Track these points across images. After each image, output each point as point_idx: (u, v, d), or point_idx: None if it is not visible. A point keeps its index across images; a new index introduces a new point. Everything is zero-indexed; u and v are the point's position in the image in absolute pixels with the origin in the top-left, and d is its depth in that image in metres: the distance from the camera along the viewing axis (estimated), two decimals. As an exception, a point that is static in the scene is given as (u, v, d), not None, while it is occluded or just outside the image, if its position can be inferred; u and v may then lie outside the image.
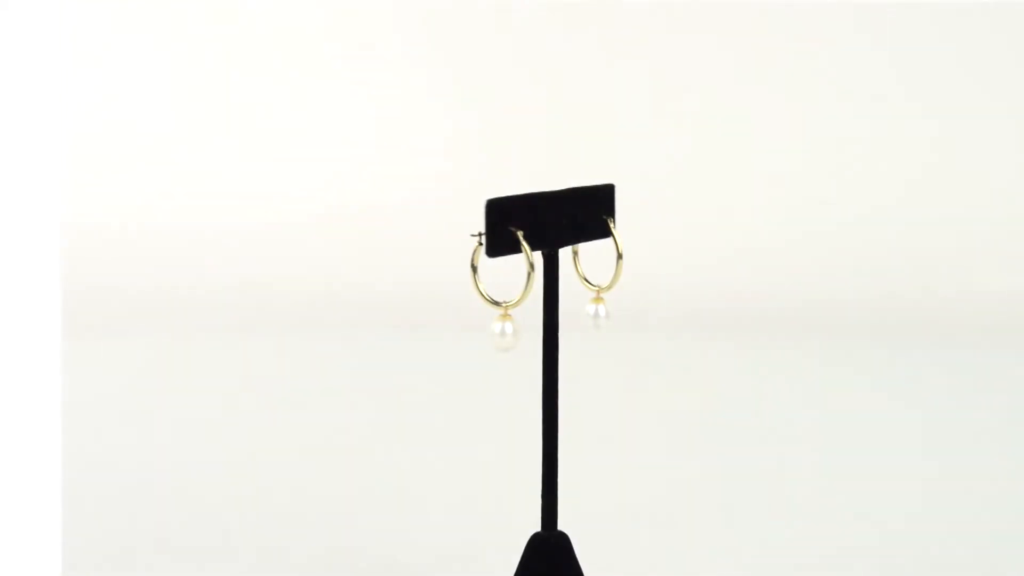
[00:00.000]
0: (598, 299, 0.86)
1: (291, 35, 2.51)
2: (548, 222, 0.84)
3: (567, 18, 2.51)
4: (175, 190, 2.38)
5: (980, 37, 2.55)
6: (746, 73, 2.55)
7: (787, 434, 1.61)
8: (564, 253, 0.87)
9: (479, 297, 0.80)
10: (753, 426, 1.63)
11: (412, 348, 1.91)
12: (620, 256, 0.85)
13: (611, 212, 0.87)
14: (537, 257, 0.82)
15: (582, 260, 0.87)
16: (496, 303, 0.80)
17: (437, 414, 1.62)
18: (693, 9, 2.53)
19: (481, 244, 0.81)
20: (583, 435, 1.49)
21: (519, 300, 0.80)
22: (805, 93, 2.55)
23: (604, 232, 0.86)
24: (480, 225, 0.81)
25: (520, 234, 0.81)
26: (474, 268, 0.80)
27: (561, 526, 0.85)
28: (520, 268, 0.83)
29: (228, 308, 2.12)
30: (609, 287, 0.86)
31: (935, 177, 2.50)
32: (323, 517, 1.23)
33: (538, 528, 0.85)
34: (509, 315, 0.81)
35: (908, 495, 1.40)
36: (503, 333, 0.81)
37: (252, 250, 2.28)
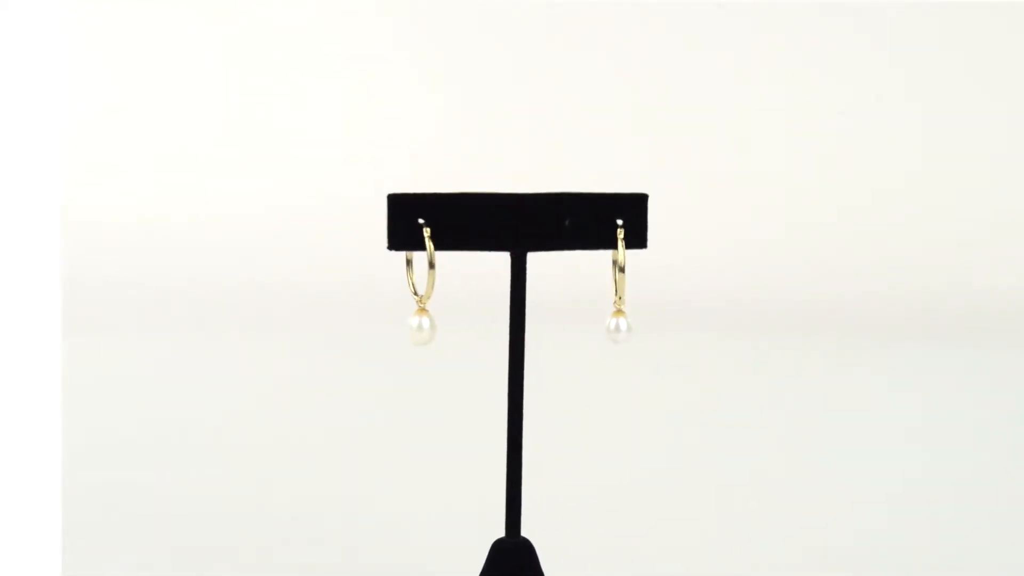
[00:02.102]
0: (619, 312, 0.82)
1: (290, 36, 2.52)
2: (505, 224, 0.81)
3: (566, 18, 2.49)
4: (175, 188, 2.39)
5: (983, 35, 2.52)
6: (745, 73, 2.52)
7: (763, 434, 1.56)
8: (593, 259, 0.85)
9: (409, 289, 0.80)
10: (730, 428, 1.58)
11: (402, 347, 1.90)
12: (621, 269, 0.81)
13: (636, 221, 0.81)
14: (441, 255, 0.80)
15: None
16: (416, 297, 0.80)
17: (413, 415, 1.62)
18: (693, 9, 2.51)
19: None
20: (559, 438, 1.47)
21: (425, 296, 0.80)
22: (804, 93, 2.51)
23: (606, 242, 0.81)
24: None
25: (427, 231, 0.80)
26: (408, 262, 0.80)
27: (527, 532, 0.85)
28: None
29: (228, 305, 2.12)
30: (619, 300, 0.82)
31: (936, 177, 2.46)
32: (298, 518, 1.23)
33: (502, 534, 0.85)
34: (426, 310, 0.80)
35: (904, 494, 1.35)
36: (420, 327, 0.80)
37: (252, 247, 2.29)
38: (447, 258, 0.87)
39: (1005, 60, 2.49)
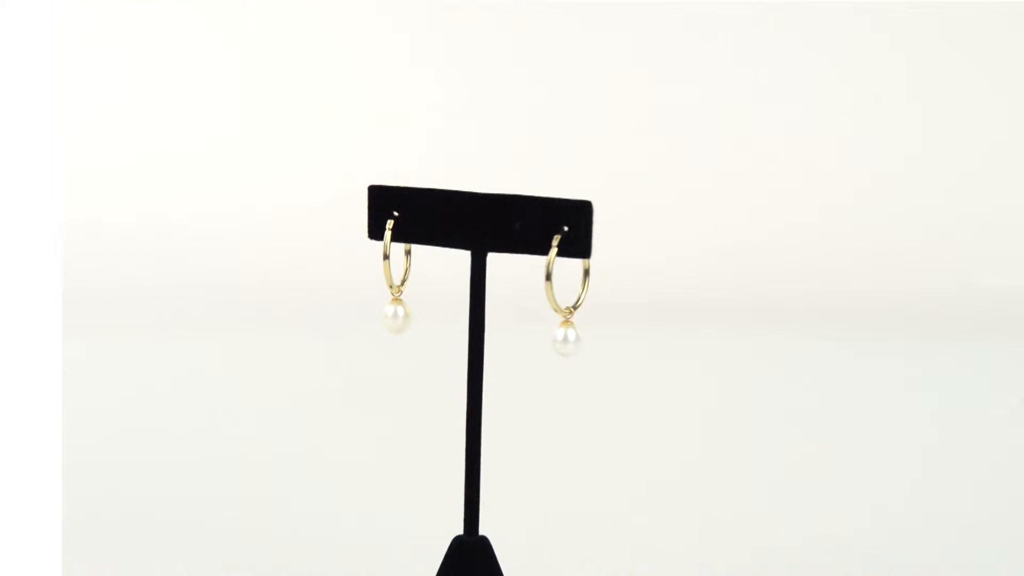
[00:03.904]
0: (567, 323, 0.80)
1: (287, 34, 2.53)
2: (467, 223, 0.81)
3: (570, 17, 2.49)
4: (175, 188, 2.40)
5: (986, 33, 2.49)
6: (738, 69, 2.51)
7: (744, 434, 1.55)
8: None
9: (388, 282, 0.82)
10: (710, 427, 1.58)
11: (402, 347, 1.90)
12: (547, 277, 0.79)
13: (577, 229, 0.79)
14: (397, 247, 0.82)
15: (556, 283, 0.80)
16: (392, 287, 0.82)
17: (392, 412, 1.62)
18: (691, 9, 2.50)
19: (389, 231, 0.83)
20: (523, 437, 1.47)
21: (386, 284, 0.82)
22: (800, 90, 2.50)
23: (544, 248, 0.80)
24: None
25: (390, 223, 0.82)
26: (387, 257, 0.82)
27: (487, 530, 0.84)
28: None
29: (228, 306, 2.13)
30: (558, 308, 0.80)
31: (934, 173, 2.45)
32: (272, 517, 1.24)
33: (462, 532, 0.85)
34: (400, 299, 0.82)
35: (907, 496, 1.33)
36: (395, 316, 0.82)
37: (254, 247, 2.30)
38: (443, 256, 0.87)
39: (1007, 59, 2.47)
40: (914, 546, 1.18)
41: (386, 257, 0.81)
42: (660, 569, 1.12)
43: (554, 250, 0.79)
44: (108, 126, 2.49)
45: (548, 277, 0.79)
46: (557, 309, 0.79)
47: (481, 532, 0.83)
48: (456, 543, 0.83)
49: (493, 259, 0.83)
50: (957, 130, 2.45)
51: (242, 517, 1.23)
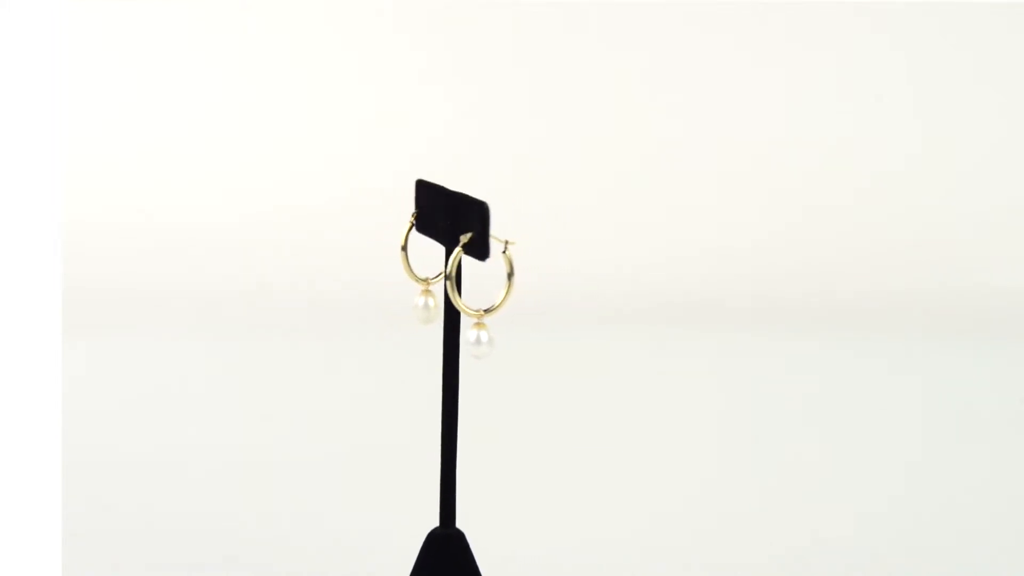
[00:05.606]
0: (479, 324, 0.79)
1: (288, 35, 2.52)
2: (446, 220, 0.82)
3: (565, 17, 2.49)
4: (175, 188, 2.40)
5: (986, 33, 2.49)
6: (738, 69, 2.51)
7: (717, 433, 1.56)
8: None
9: (407, 274, 0.84)
10: (686, 426, 1.59)
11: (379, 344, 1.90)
12: (446, 276, 0.79)
13: (475, 230, 0.78)
14: (417, 239, 0.85)
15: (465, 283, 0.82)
16: (420, 279, 0.85)
17: (355, 409, 1.63)
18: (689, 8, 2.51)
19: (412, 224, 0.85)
20: (514, 435, 1.49)
21: (407, 276, 0.85)
22: (800, 90, 2.50)
23: (469, 248, 0.80)
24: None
25: (412, 216, 0.85)
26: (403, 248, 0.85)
27: (464, 524, 0.85)
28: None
29: (229, 307, 2.13)
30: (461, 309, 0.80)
31: (934, 173, 2.45)
32: (258, 511, 1.24)
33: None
34: (431, 291, 0.85)
35: (906, 498, 1.35)
36: (426, 306, 0.85)
37: (254, 247, 2.30)
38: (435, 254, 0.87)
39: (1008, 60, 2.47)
40: (915, 547, 1.18)
41: (403, 248, 0.84)
42: (648, 567, 1.12)
43: (459, 249, 0.79)
44: (108, 126, 2.49)
45: (448, 276, 0.79)
46: (465, 310, 0.79)
47: (457, 525, 0.84)
48: (432, 536, 0.84)
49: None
50: (957, 130, 2.45)
51: (237, 516, 1.23)
